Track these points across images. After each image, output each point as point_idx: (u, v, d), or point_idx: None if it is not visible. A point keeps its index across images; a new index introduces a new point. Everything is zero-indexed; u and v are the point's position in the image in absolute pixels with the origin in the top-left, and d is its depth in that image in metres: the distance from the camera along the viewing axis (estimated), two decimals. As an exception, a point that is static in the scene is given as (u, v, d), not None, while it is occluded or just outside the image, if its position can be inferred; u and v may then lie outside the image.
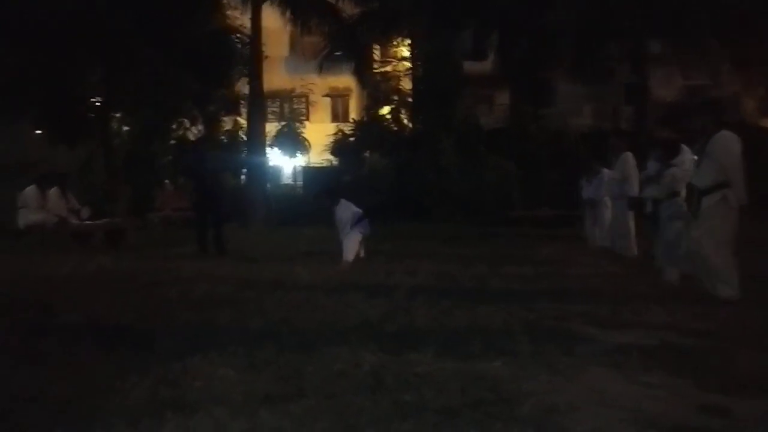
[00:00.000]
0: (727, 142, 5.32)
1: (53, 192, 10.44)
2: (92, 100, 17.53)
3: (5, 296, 5.73)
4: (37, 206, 10.25)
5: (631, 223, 8.80)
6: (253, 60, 17.08)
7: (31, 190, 10.36)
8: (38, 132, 17.84)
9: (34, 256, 8.59)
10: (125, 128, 19.37)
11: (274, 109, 26.71)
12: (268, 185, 19.15)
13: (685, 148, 6.78)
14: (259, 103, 17.44)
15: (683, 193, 6.62)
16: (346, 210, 8.15)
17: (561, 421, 2.69)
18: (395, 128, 20.28)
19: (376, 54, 22.52)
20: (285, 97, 27.29)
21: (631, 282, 6.41)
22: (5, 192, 11.90)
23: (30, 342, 4.01)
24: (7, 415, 2.78)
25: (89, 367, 3.45)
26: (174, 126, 19.42)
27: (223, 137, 21.00)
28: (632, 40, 17.59)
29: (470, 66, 20.92)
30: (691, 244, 5.57)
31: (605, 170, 9.91)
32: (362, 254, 8.23)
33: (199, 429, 2.62)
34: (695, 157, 6.05)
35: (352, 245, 7.97)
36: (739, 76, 17.80)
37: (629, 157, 8.85)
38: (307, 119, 27.03)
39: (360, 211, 8.20)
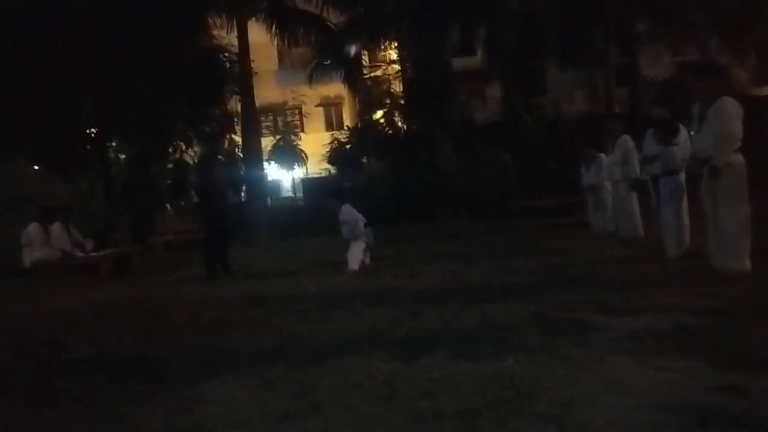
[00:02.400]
0: (729, 107, 5.20)
1: (56, 227, 10.46)
2: (87, 131, 17.59)
3: (17, 335, 5.74)
4: (41, 243, 10.27)
5: (635, 205, 8.79)
6: (243, 77, 17.11)
7: (33, 228, 10.37)
8: (36, 168, 17.90)
9: (42, 292, 8.60)
10: (122, 156, 19.42)
11: (268, 124, 26.80)
12: (269, 200, 19.17)
13: (682, 127, 6.79)
14: (252, 119, 17.46)
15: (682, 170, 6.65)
16: (350, 213, 8.15)
17: (580, 414, 2.67)
18: (390, 131, 20.29)
19: (365, 59, 22.56)
20: (278, 110, 27.38)
21: (639, 265, 6.39)
22: (7, 229, 11.94)
23: (44, 380, 4.01)
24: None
25: (103, 401, 3.44)
26: (170, 149, 19.46)
27: (220, 156, 21.04)
28: (618, 21, 17.57)
29: (459, 62, 20.94)
30: (708, 215, 5.52)
31: (603, 155, 9.90)
32: (368, 261, 8.24)
33: (217, 455, 2.61)
34: (692, 133, 6.02)
35: (356, 254, 7.98)
36: (728, 48, 17.74)
37: (627, 139, 8.85)
38: (302, 130, 27.09)
39: (363, 219, 8.21)
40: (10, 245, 10.91)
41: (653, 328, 3.85)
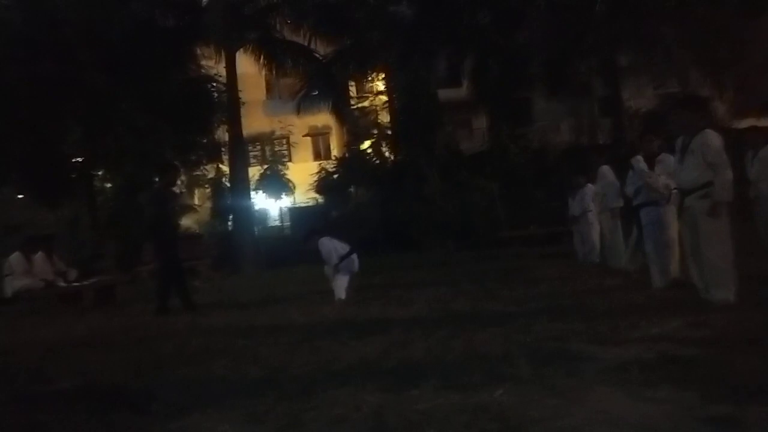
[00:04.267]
0: (712, 139, 5.30)
1: (39, 256, 10.33)
2: (73, 160, 17.53)
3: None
4: (23, 272, 10.13)
5: (620, 235, 8.87)
6: (231, 106, 17.22)
7: (16, 257, 10.24)
8: (20, 196, 17.76)
9: (24, 322, 8.46)
10: (108, 185, 19.33)
11: (256, 153, 26.85)
12: (256, 229, 19.10)
13: (665, 156, 6.86)
14: (240, 149, 17.53)
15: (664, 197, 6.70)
16: (326, 245, 8.12)
17: (570, 446, 2.65)
18: (377, 161, 20.42)
19: (353, 90, 22.81)
20: (266, 139, 27.46)
21: (626, 295, 6.41)
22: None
23: (23, 413, 3.91)
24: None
25: (85, 434, 3.36)
26: (157, 178, 19.39)
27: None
28: (602, 54, 17.96)
29: (446, 93, 21.22)
30: (688, 246, 5.57)
31: (589, 185, 10.01)
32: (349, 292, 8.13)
33: (202, 490, 2.54)
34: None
35: (340, 284, 7.96)
36: (708, 81, 18.16)
37: (605, 170, 9.00)
38: (290, 160, 27.18)
39: (346, 247, 8.18)
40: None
41: (641, 359, 3.84)
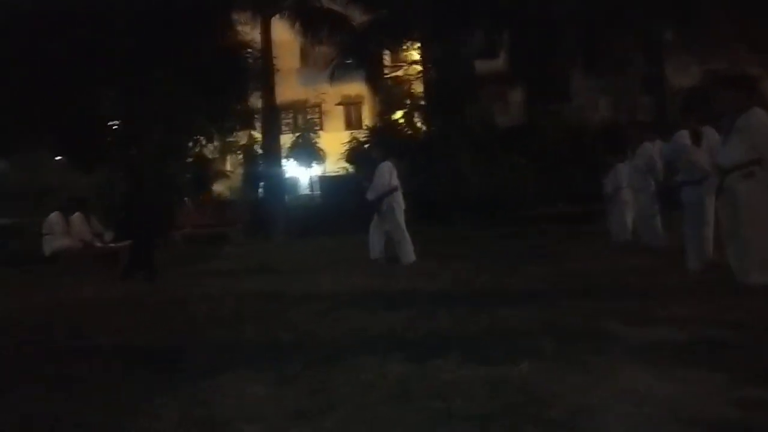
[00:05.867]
0: (760, 118, 5.12)
1: (76, 217, 10.58)
2: (109, 123, 17.82)
3: (36, 322, 5.84)
4: (62, 232, 10.40)
5: (657, 214, 8.69)
6: (266, 74, 17.24)
7: (54, 217, 10.52)
8: (57, 159, 18.17)
9: (62, 281, 8.72)
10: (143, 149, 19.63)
11: (288, 121, 26.91)
12: (286, 197, 19.27)
13: (707, 134, 6.65)
14: (273, 116, 17.61)
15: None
16: (383, 169, 8.34)
17: (594, 422, 2.64)
18: (409, 132, 20.27)
19: (387, 59, 22.58)
20: (298, 108, 27.48)
21: (659, 275, 6.32)
22: (29, 219, 12.15)
23: (62, 366, 4.07)
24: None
25: (120, 389, 3.49)
26: (190, 144, 19.64)
27: (238, 151, 21.29)
28: (645, 29, 17.41)
29: (482, 65, 20.86)
30: (727, 227, 5.44)
31: (623, 163, 9.81)
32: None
33: (231, 447, 2.63)
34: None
35: (408, 247, 8.40)
36: (757, 59, 17.48)
37: (648, 146, 8.77)
38: (321, 129, 27.18)
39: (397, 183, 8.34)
40: (32, 235, 11.09)
41: (672, 339, 3.81)
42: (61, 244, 10.30)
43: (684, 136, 6.72)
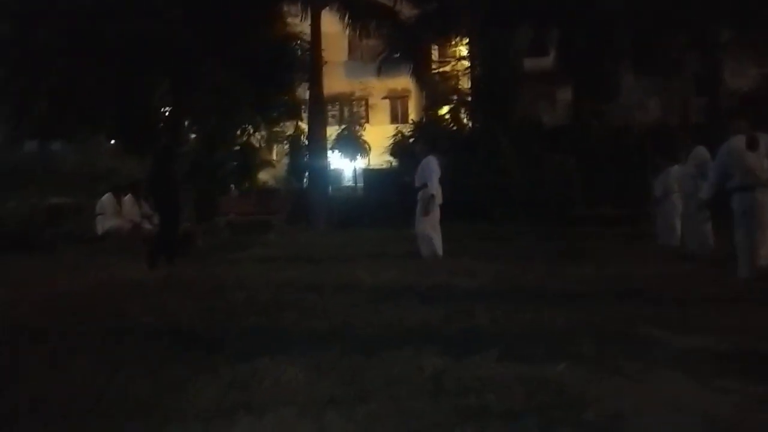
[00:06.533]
0: None
1: (128, 199, 10.96)
2: (161, 110, 18.32)
3: (86, 300, 6.08)
4: (114, 213, 10.80)
5: (707, 220, 8.43)
6: (313, 65, 17.39)
7: (107, 198, 10.92)
8: (111, 143, 18.75)
9: (112, 260, 9.02)
10: (192, 136, 20.11)
11: (334, 113, 27.10)
12: (330, 188, 19.45)
13: (762, 139, 6.44)
14: (319, 108, 17.75)
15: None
16: (429, 165, 8.47)
17: (629, 427, 2.63)
18: (455, 128, 20.15)
19: (435, 54, 22.48)
20: (345, 100, 27.64)
21: (705, 283, 6.15)
22: (83, 200, 12.62)
23: (108, 345, 4.24)
24: (86, 415, 2.95)
25: (163, 368, 3.61)
26: (238, 132, 20.02)
27: (285, 141, 21.60)
28: (699, 27, 16.85)
29: (531, 62, 20.57)
30: None
31: (675, 166, 9.56)
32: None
33: (268, 429, 2.71)
34: None
35: (437, 242, 8.45)
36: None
37: (702, 150, 8.51)
38: (367, 122, 27.28)
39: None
40: (86, 215, 11.51)
41: (714, 349, 3.72)
42: (113, 225, 10.69)
43: (740, 140, 6.50)
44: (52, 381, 3.47)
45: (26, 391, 3.31)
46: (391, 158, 21.50)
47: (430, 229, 8.58)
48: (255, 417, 2.81)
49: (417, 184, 8.69)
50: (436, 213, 8.64)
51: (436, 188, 8.55)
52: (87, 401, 3.10)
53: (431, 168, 8.53)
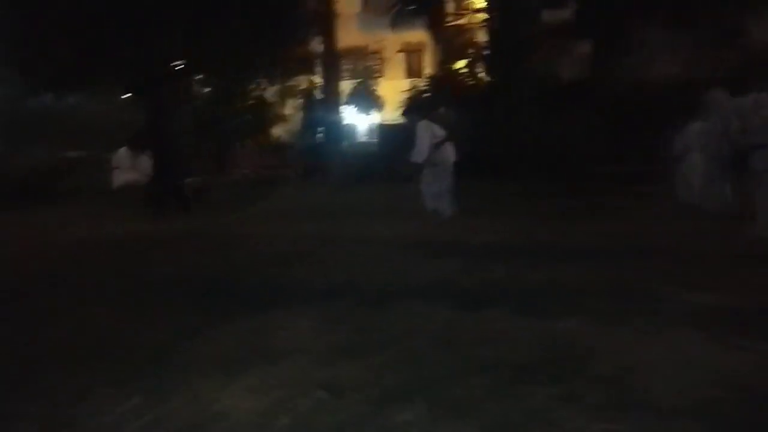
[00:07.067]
0: None
1: (144, 153, 11.00)
2: (175, 63, 18.15)
3: (104, 251, 6.17)
4: (130, 167, 10.86)
5: (728, 177, 8.29)
6: (326, 18, 17.08)
7: (123, 152, 10.98)
8: (127, 96, 18.68)
9: (129, 214, 9.10)
10: (206, 90, 19.98)
11: (348, 67, 26.71)
12: (344, 143, 19.37)
13: None
14: (333, 62, 17.53)
15: None
16: (422, 130, 8.23)
17: (640, 380, 2.63)
18: (471, 82, 19.82)
19: (450, 6, 21.95)
20: (359, 54, 27.17)
21: (725, 241, 6.05)
22: (100, 154, 12.68)
23: (127, 293, 4.32)
24: (107, 358, 3.03)
25: (183, 315, 3.68)
26: (251, 87, 19.84)
27: (299, 96, 21.41)
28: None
29: (549, 15, 20.01)
30: None
31: (696, 123, 9.35)
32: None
33: (284, 376, 2.76)
34: None
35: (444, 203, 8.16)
36: None
37: (725, 106, 8.29)
38: (382, 76, 26.91)
39: (443, 133, 8.25)
40: (103, 168, 11.59)
41: (732, 307, 3.69)
42: (129, 178, 10.75)
43: (764, 97, 6.32)
44: (75, 327, 3.56)
45: (51, 336, 3.39)
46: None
47: (427, 189, 8.40)
48: (271, 364, 2.87)
49: (417, 159, 8.46)
50: (438, 173, 8.43)
51: (425, 153, 8.29)
52: (110, 347, 3.18)
53: (418, 134, 8.31)
